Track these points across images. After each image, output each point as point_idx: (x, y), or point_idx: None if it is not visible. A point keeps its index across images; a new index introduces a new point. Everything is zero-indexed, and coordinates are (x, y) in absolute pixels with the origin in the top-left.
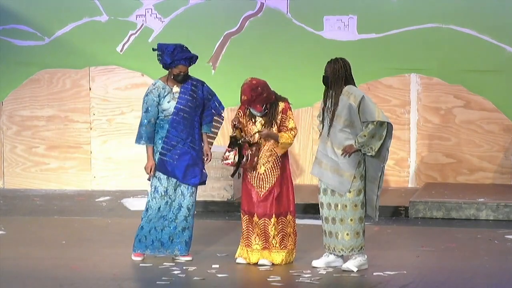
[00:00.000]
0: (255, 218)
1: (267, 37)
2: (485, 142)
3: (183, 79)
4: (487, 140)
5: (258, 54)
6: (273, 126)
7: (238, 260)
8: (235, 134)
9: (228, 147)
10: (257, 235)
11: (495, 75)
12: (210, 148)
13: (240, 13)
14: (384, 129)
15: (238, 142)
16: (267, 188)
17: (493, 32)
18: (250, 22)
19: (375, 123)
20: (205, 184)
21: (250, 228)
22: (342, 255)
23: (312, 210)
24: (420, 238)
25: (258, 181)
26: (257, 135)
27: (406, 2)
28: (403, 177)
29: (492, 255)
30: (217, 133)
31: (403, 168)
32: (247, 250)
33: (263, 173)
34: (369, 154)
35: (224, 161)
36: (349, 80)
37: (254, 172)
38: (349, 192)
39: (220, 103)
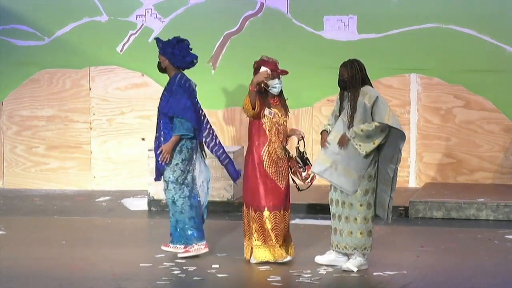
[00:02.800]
0: (282, 212)
1: (267, 37)
2: (485, 142)
3: (160, 69)
4: (487, 140)
5: (258, 54)
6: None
7: (253, 261)
8: (302, 152)
9: (299, 165)
10: (281, 229)
11: (495, 75)
12: (167, 146)
13: (240, 13)
14: (382, 136)
15: (304, 156)
16: (286, 180)
17: (493, 32)
18: (250, 22)
19: (376, 124)
20: (159, 180)
21: (278, 224)
22: (346, 254)
23: (313, 210)
24: (420, 238)
25: (278, 174)
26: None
27: (406, 2)
28: (403, 177)
29: (492, 255)
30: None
31: (403, 168)
32: (272, 247)
33: (282, 166)
34: (359, 150)
35: (309, 181)
36: (365, 81)
37: (275, 165)
38: (356, 191)
39: (165, 103)
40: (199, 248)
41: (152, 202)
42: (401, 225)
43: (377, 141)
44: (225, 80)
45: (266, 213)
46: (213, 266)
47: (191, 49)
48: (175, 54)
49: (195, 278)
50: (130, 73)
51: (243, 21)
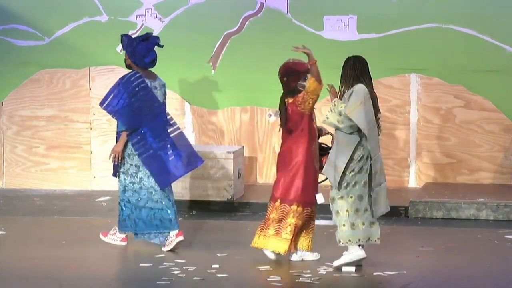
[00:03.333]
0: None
1: (267, 37)
2: (485, 142)
3: (126, 66)
4: (487, 140)
5: (258, 54)
6: None
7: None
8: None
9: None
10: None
11: (495, 75)
12: (116, 146)
13: (240, 13)
14: (348, 123)
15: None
16: None
17: (493, 32)
18: (250, 22)
19: (345, 113)
20: (115, 176)
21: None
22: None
23: None
24: (420, 238)
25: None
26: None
27: (406, 2)
28: (403, 177)
29: (492, 255)
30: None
31: (403, 168)
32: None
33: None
34: (327, 113)
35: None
36: (360, 78)
37: (317, 161)
38: (337, 184)
39: (105, 99)
40: (116, 238)
41: None
42: (401, 225)
43: (341, 124)
44: (225, 80)
45: (314, 208)
46: (213, 266)
47: (162, 46)
48: (135, 54)
49: (195, 278)
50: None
51: (243, 21)
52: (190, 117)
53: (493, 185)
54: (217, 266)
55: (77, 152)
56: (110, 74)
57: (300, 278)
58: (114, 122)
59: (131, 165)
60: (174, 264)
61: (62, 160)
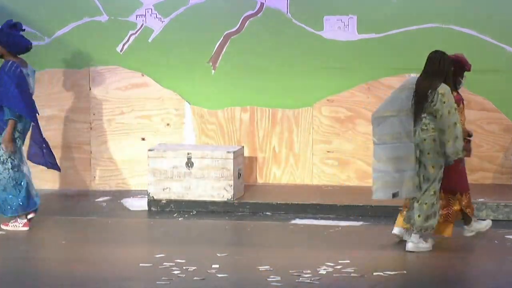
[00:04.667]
0: None
1: (267, 37)
2: (485, 142)
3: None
4: (487, 140)
5: (258, 54)
6: None
7: None
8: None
9: None
10: None
11: (495, 75)
12: (8, 135)
13: (240, 13)
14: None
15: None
16: None
17: (493, 32)
18: (250, 22)
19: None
20: None
21: None
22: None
23: (312, 210)
24: None
25: None
26: None
27: (406, 2)
28: None
29: (492, 255)
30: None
31: None
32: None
33: None
34: None
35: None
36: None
37: None
38: None
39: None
40: (17, 224)
41: (152, 202)
42: None
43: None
44: (225, 80)
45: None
46: (213, 266)
47: (24, 30)
48: (14, 42)
49: (195, 278)
50: (130, 73)
51: (243, 21)
52: (190, 117)
53: (493, 185)
54: (217, 266)
55: (77, 152)
56: (110, 74)
57: (300, 278)
58: (114, 122)
59: (4, 151)
60: (174, 264)
61: (62, 160)
